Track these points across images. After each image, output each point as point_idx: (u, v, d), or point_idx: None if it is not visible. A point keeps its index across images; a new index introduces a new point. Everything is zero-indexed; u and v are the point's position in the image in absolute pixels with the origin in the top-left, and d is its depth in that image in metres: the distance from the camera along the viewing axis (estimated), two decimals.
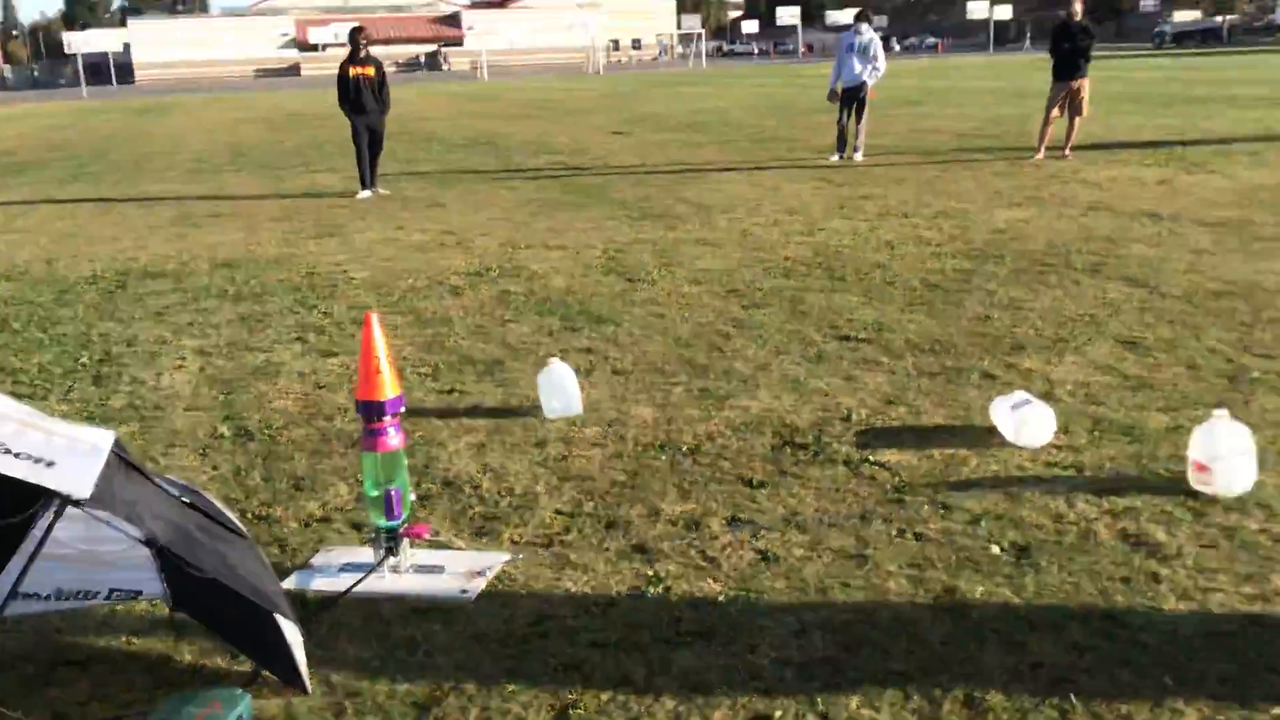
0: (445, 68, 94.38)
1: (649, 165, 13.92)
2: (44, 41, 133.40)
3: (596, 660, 2.68)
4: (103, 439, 2.28)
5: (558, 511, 3.58)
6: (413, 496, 3.31)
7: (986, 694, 2.46)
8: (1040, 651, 2.63)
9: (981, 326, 5.59)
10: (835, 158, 13.50)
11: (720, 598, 2.96)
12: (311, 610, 2.95)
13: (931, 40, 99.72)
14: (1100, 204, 9.21)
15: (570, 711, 2.48)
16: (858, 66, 13.36)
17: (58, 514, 2.41)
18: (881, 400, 4.54)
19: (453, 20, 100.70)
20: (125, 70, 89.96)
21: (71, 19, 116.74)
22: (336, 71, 12.05)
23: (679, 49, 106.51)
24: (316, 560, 3.31)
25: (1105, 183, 10.44)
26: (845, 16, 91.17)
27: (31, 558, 2.65)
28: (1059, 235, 7.91)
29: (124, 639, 2.89)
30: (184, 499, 2.52)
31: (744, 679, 2.56)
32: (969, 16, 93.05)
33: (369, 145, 12.03)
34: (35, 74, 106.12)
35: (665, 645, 2.73)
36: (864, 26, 13.45)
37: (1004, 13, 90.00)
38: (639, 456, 4.02)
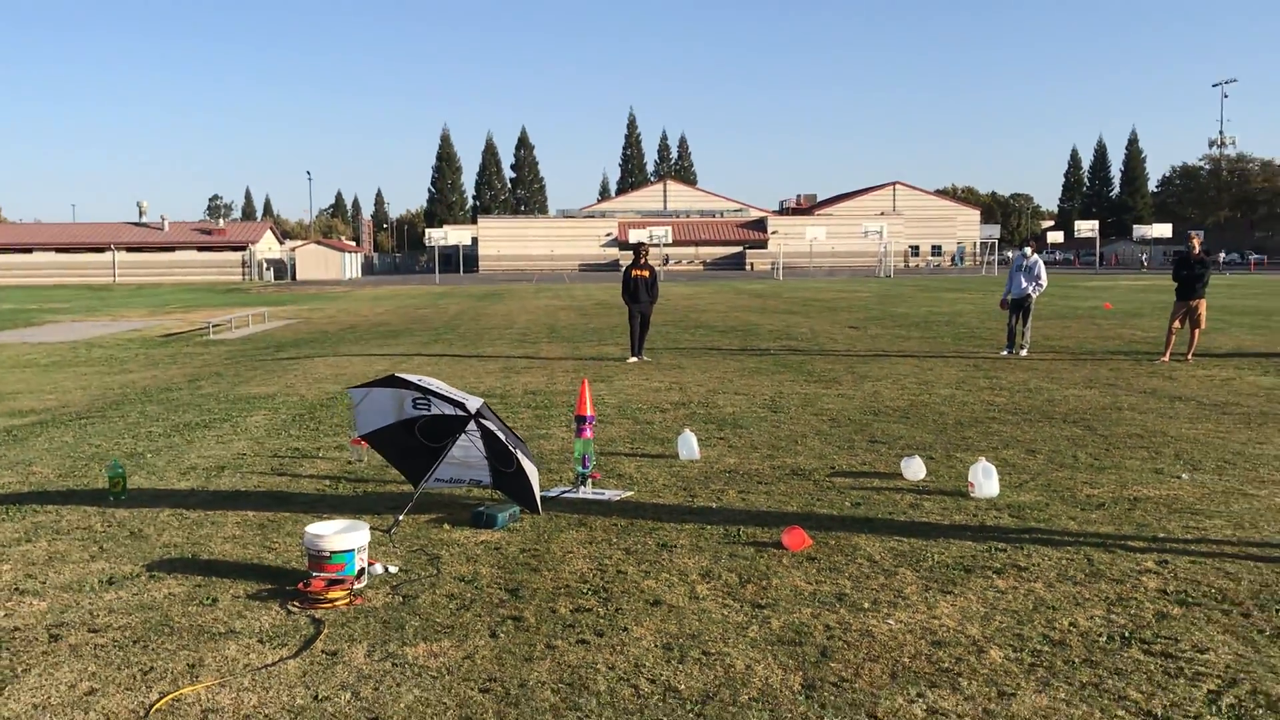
0: (748, 267, 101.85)
1: (855, 350, 17.87)
2: (406, 233, 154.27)
3: (647, 523, 6.71)
4: (476, 400, 6.67)
5: (664, 484, 7.64)
6: (594, 463, 7.49)
7: None
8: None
9: (942, 433, 9.19)
10: (1005, 352, 16.93)
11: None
12: (545, 503, 7.15)
13: (1256, 257, 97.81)
14: (1169, 393, 12.32)
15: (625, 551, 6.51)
16: (1024, 282, 16.90)
17: (466, 429, 6.81)
18: (856, 462, 8.32)
19: (759, 225, 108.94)
20: (471, 260, 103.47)
21: (432, 215, 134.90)
22: (622, 274, 16.99)
23: (979, 257, 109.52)
24: (552, 490, 7.54)
25: (1186, 380, 13.42)
26: (1152, 231, 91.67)
27: (439, 460, 7.06)
28: (1082, 404, 11.22)
29: (446, 502, 7.20)
30: (507, 426, 6.83)
31: None
32: None
33: (640, 326, 16.76)
34: (396, 260, 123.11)
35: (681, 512, 6.71)
36: (1028, 250, 17.04)
37: None
38: (714, 475, 8.02)
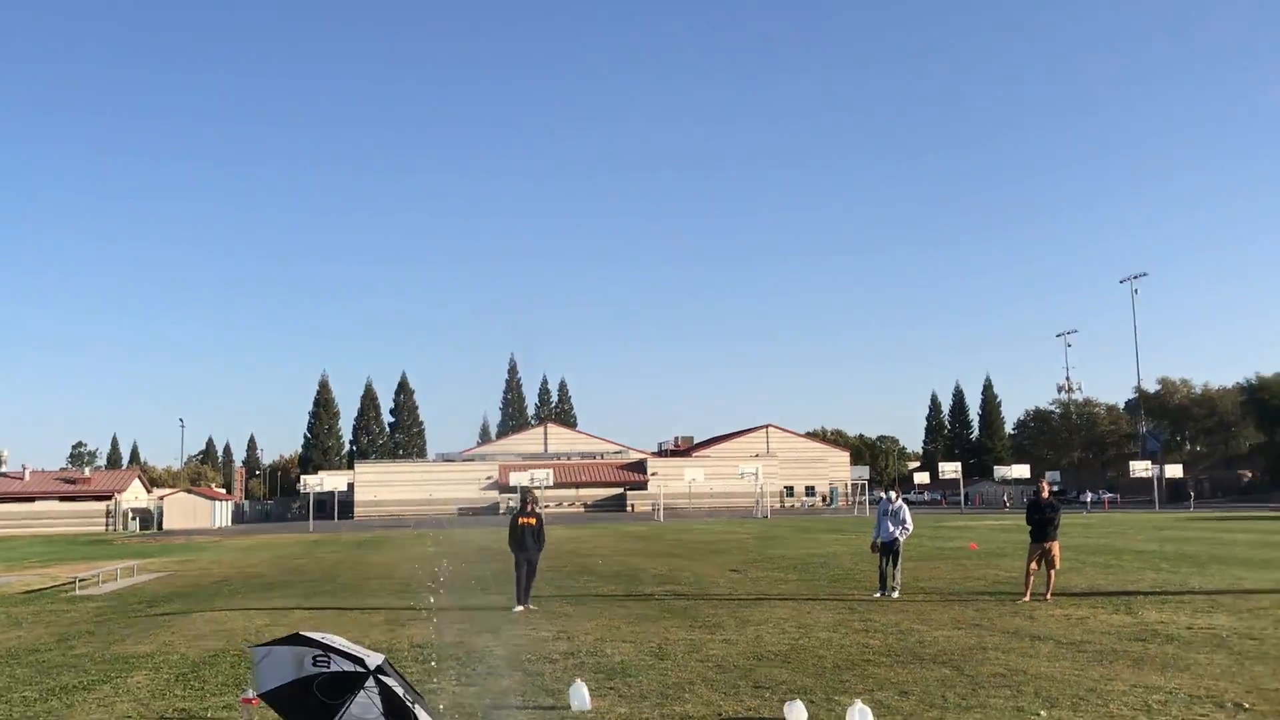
0: (629, 509, 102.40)
1: (737, 593, 18.33)
2: (279, 479, 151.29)
3: None
4: (377, 656, 6.93)
5: None
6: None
7: None
8: None
9: (821, 677, 9.65)
10: (878, 594, 17.61)
11: None
12: None
13: (1110, 495, 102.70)
14: (1029, 632, 13.05)
15: None
16: (890, 526, 17.81)
17: (364, 686, 7.02)
18: (743, 708, 8.68)
19: (639, 467, 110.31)
20: (346, 506, 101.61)
21: (307, 460, 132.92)
22: (509, 522, 17.36)
23: (851, 497, 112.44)
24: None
25: (1045, 619, 14.23)
26: (1012, 471, 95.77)
27: (337, 718, 7.21)
28: (950, 644, 11.84)
29: None
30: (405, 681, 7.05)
31: None
32: (1133, 475, 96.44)
33: (527, 574, 17.01)
34: (268, 508, 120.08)
35: None
36: (893, 495, 18.07)
37: (1175, 471, 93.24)
38: None
